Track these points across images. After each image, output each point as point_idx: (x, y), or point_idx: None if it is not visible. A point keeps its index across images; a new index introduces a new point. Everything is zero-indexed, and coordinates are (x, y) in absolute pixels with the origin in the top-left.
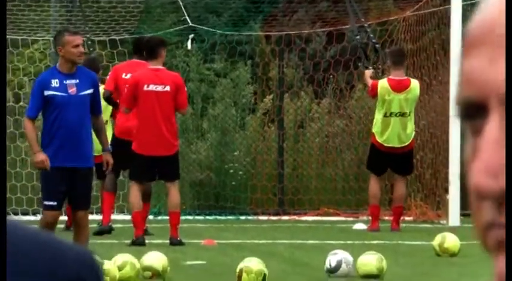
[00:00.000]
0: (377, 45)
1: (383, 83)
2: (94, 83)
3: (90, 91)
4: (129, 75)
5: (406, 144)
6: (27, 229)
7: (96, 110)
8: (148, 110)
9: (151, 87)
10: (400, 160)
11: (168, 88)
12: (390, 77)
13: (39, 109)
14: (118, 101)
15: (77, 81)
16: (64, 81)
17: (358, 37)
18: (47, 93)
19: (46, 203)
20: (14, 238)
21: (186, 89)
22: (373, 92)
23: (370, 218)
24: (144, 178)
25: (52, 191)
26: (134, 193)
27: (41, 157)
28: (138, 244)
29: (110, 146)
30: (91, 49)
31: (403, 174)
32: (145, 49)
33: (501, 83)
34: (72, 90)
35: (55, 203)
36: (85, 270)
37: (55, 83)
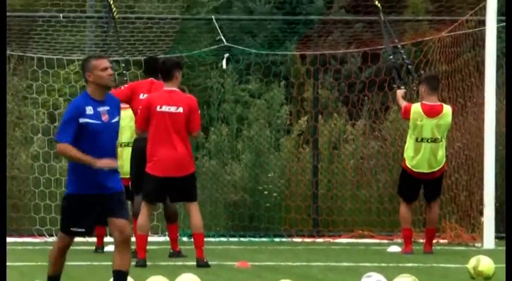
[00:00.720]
0: (410, 66)
1: (416, 108)
2: (119, 109)
3: (117, 118)
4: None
5: (436, 170)
6: None
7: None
8: (161, 131)
9: (164, 108)
10: (429, 186)
11: (181, 109)
12: (424, 102)
13: (74, 136)
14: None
15: (108, 108)
16: (97, 109)
17: (391, 57)
18: (82, 120)
19: (72, 229)
20: None
21: (199, 112)
22: (406, 116)
23: (403, 240)
24: (156, 199)
25: (78, 217)
26: (144, 214)
27: (103, 161)
28: (139, 266)
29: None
30: (124, 72)
31: (433, 198)
32: (161, 71)
33: None
34: (105, 118)
35: (81, 230)
36: None
37: (89, 110)
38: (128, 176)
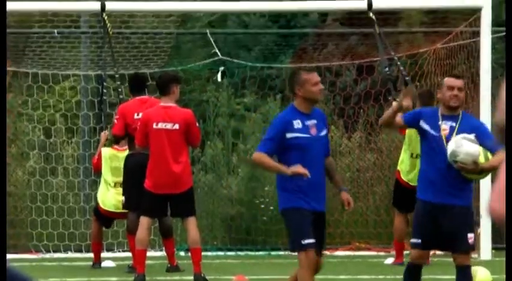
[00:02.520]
0: (407, 78)
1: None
2: (326, 123)
3: (325, 132)
4: (141, 114)
5: None
6: None
7: (327, 150)
8: (158, 148)
9: (161, 125)
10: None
11: (177, 126)
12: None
13: (277, 150)
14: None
15: (315, 121)
16: (305, 122)
17: (387, 69)
18: (289, 135)
19: (304, 242)
20: None
21: (197, 124)
22: (401, 131)
23: (395, 252)
24: (155, 215)
25: (307, 230)
26: (143, 228)
27: (296, 168)
28: None
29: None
30: (119, 90)
31: None
32: (158, 85)
33: None
34: (314, 131)
35: (313, 241)
36: None
37: (297, 124)
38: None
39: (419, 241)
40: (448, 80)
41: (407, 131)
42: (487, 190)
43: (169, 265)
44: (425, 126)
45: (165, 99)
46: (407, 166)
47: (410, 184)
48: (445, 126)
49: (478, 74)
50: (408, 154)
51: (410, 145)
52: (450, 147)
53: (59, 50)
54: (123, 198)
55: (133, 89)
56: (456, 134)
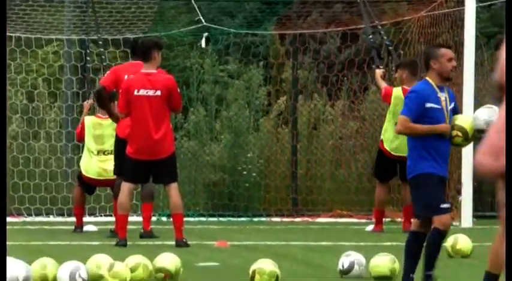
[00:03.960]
0: (390, 47)
1: (397, 92)
2: (455, 99)
3: (453, 105)
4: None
5: None
6: None
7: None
8: (139, 115)
9: (142, 92)
10: (405, 166)
11: (159, 93)
12: (405, 86)
13: (416, 117)
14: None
15: (446, 95)
16: (437, 95)
17: (371, 37)
18: (428, 105)
19: (442, 206)
20: None
21: (179, 90)
22: (386, 99)
23: (374, 220)
24: (137, 181)
25: (442, 195)
26: (124, 193)
27: (440, 126)
28: (120, 246)
29: None
30: (102, 51)
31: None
32: (139, 51)
33: None
34: (444, 104)
35: (448, 206)
36: None
37: (432, 95)
38: (113, 177)
39: (449, 204)
40: (447, 52)
41: (393, 99)
42: (468, 159)
43: (142, 230)
44: (430, 104)
45: (146, 66)
46: (390, 136)
47: (393, 153)
48: (442, 97)
49: (461, 44)
50: (393, 123)
51: (395, 114)
52: (484, 117)
53: (42, 14)
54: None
55: (134, 53)
56: (448, 104)
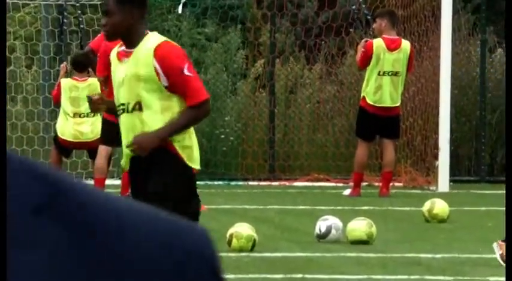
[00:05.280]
0: (368, 17)
1: (378, 42)
2: None
3: None
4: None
5: (396, 105)
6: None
7: None
8: None
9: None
10: (388, 124)
11: None
12: (384, 35)
13: None
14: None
15: None
16: None
17: (354, 7)
18: None
19: None
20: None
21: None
22: (367, 53)
23: (353, 183)
24: (113, 144)
25: None
26: (101, 157)
27: None
28: None
29: None
30: (80, 19)
31: (391, 138)
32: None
33: None
34: None
35: None
36: (201, 242)
37: None
38: (89, 140)
39: None
40: None
41: (375, 48)
42: (445, 124)
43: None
44: None
45: None
46: (372, 87)
47: (376, 105)
48: None
49: (438, 8)
50: (376, 73)
51: (378, 63)
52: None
53: None
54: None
55: None
56: None
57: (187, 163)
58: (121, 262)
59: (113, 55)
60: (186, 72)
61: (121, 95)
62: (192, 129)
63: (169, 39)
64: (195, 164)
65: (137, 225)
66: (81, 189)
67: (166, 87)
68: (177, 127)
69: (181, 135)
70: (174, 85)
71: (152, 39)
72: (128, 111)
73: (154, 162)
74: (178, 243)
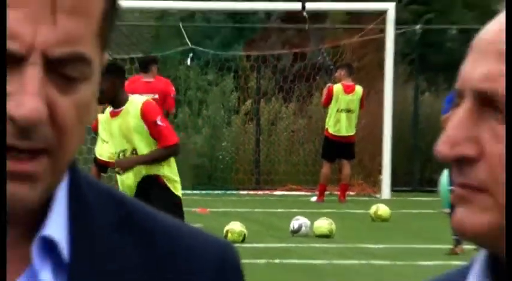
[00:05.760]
0: (331, 67)
1: (338, 87)
2: None
3: None
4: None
5: (351, 134)
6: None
7: None
8: None
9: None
10: (346, 148)
11: (156, 96)
12: (343, 82)
13: None
14: None
15: None
16: None
17: (319, 58)
18: None
19: None
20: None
21: (173, 93)
22: (329, 95)
23: (319, 192)
24: None
25: None
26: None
27: None
28: None
29: None
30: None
31: (347, 158)
32: (140, 65)
33: (475, 81)
34: None
35: None
36: (230, 249)
37: None
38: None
39: None
40: None
41: (335, 92)
42: (387, 148)
43: None
44: None
45: (146, 76)
46: (333, 121)
47: (336, 134)
48: None
49: (383, 60)
50: (335, 110)
51: (337, 102)
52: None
53: None
54: None
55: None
56: None
57: (174, 191)
58: (179, 259)
59: (106, 114)
60: (159, 122)
61: (118, 143)
62: (175, 169)
63: (149, 98)
64: (179, 193)
65: (190, 234)
66: (143, 208)
67: (150, 135)
68: (147, 159)
69: (168, 173)
70: (152, 133)
71: (136, 99)
72: (125, 156)
73: (150, 192)
74: (216, 251)
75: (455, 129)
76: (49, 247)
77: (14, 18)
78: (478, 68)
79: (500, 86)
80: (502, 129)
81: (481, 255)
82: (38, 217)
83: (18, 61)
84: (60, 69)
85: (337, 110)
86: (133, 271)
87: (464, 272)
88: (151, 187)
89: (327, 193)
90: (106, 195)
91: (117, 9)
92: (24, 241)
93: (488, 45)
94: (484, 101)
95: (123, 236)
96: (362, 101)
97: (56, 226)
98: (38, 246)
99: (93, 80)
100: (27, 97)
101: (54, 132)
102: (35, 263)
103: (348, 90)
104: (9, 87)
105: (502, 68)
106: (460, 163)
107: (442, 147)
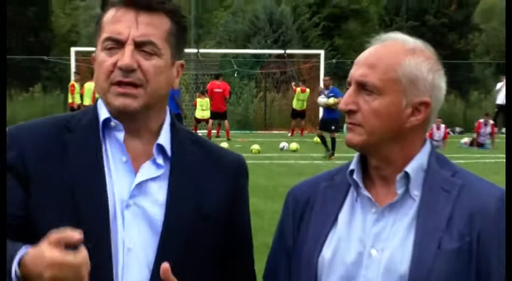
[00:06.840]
0: (295, 77)
1: (298, 90)
2: None
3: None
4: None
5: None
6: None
7: None
8: None
9: None
10: None
11: None
12: (301, 87)
13: None
14: None
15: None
16: None
17: (291, 72)
18: None
19: None
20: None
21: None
22: (294, 91)
23: None
24: None
25: None
26: None
27: None
28: None
29: None
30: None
31: None
32: None
33: (357, 76)
34: None
35: None
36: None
37: None
38: None
39: None
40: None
41: (297, 89)
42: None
43: None
44: None
45: None
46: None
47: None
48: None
49: (319, 77)
50: (296, 99)
51: (297, 95)
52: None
53: None
54: None
55: None
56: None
57: None
58: (221, 160)
59: None
60: None
61: None
62: None
63: None
64: None
65: (224, 149)
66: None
67: None
68: None
69: None
70: None
71: None
72: None
73: None
74: (237, 158)
75: (347, 98)
76: (161, 148)
77: (120, 26)
78: (357, 71)
79: (368, 80)
80: (368, 98)
81: (356, 155)
82: (156, 135)
83: (123, 44)
84: (142, 48)
85: (297, 99)
86: (200, 163)
87: (348, 164)
88: None
89: None
90: (183, 128)
91: (183, 28)
92: (150, 146)
93: (364, 60)
94: (360, 86)
95: (194, 146)
96: (308, 98)
97: (164, 138)
98: (156, 148)
99: (163, 58)
100: (125, 57)
101: (143, 76)
102: (155, 154)
103: (303, 91)
104: (118, 56)
105: (369, 72)
106: (349, 113)
107: (342, 106)
